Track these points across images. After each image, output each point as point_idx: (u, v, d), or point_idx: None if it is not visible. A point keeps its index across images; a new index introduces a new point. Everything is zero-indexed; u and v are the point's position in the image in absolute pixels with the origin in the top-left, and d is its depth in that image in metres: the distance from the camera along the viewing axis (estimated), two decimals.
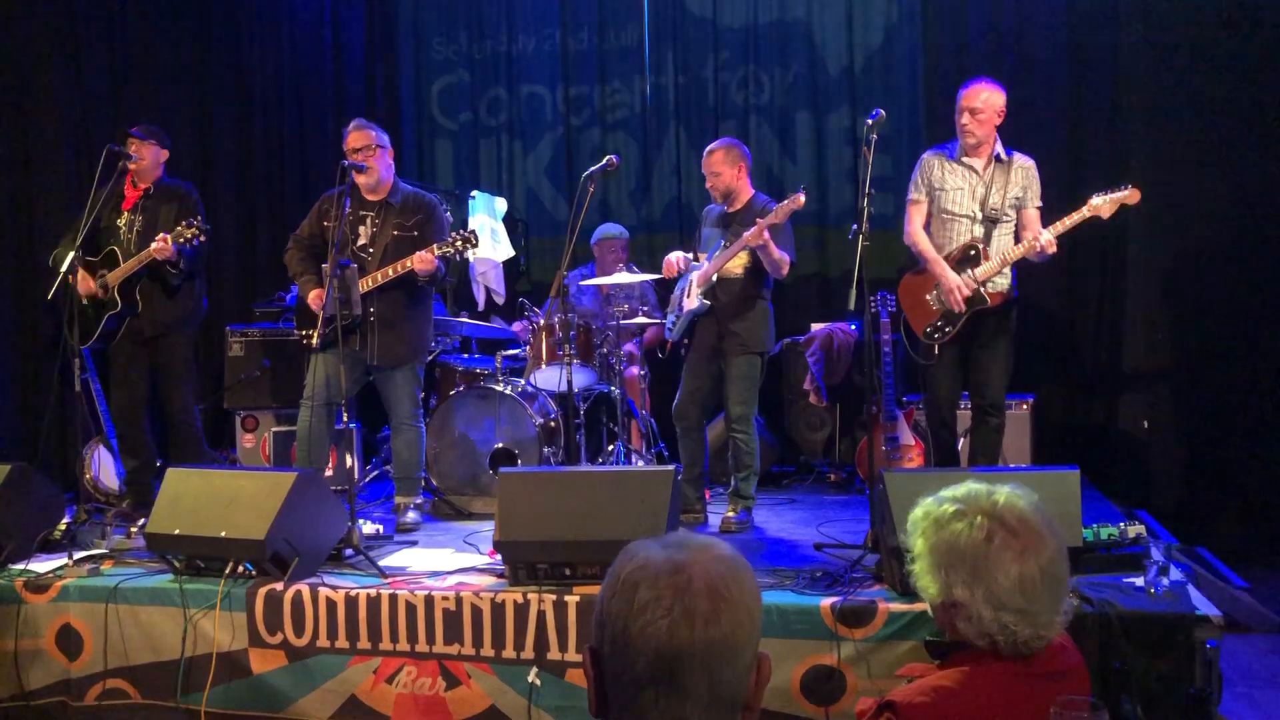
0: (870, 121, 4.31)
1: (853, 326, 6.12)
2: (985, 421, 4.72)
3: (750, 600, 1.37)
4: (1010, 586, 1.78)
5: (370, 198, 4.96)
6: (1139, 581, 3.45)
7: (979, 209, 4.60)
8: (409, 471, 5.07)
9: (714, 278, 4.90)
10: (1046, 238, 4.42)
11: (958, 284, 4.53)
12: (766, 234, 4.63)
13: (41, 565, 4.19)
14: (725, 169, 4.94)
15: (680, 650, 1.30)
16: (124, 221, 5.18)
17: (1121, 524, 3.76)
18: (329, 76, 7.23)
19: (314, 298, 4.85)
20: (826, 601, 3.46)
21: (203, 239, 4.95)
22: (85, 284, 5.08)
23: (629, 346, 5.99)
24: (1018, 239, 4.62)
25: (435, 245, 4.73)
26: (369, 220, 4.94)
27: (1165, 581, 3.42)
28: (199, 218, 5.00)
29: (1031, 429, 5.63)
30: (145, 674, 3.94)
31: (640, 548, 1.40)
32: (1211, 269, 5.57)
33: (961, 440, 5.01)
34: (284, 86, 7.21)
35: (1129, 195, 4.43)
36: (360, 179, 4.87)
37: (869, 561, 3.86)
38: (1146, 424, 5.78)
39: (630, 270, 6.14)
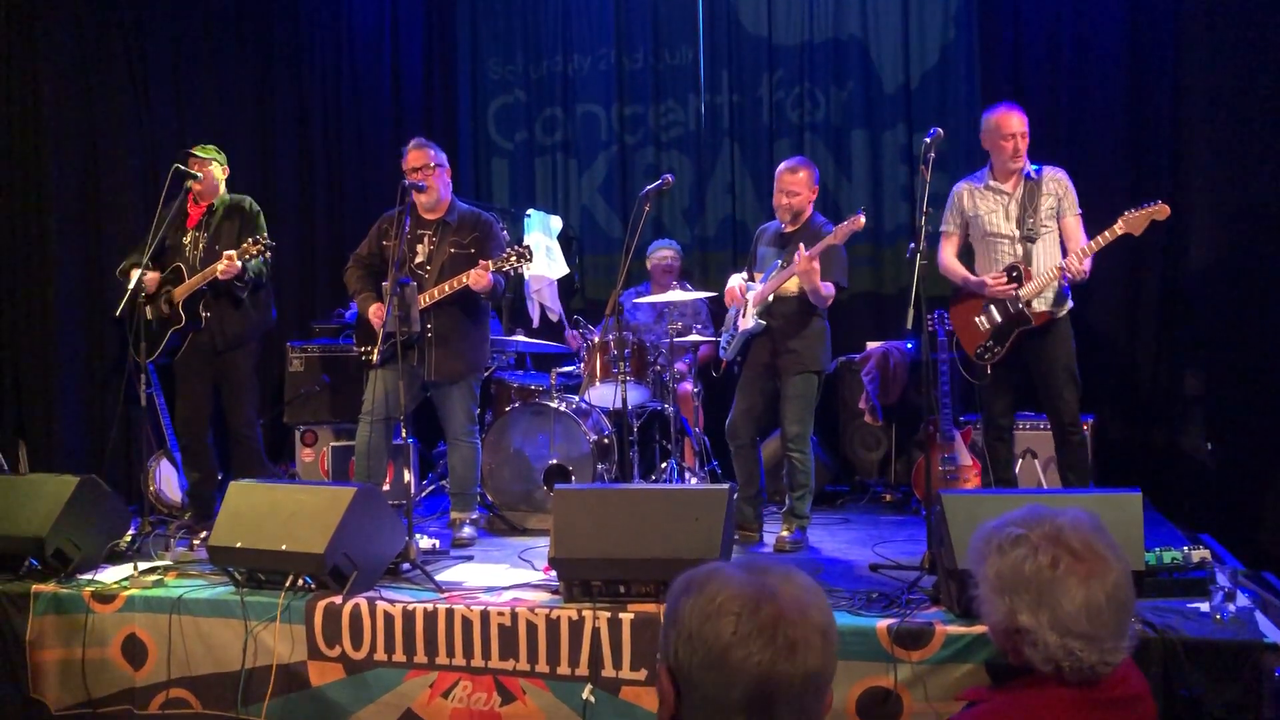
0: (928, 140, 4.32)
1: (909, 345, 6.07)
2: (1068, 440, 4.77)
3: (833, 629, 1.39)
4: (1076, 612, 1.76)
5: (428, 216, 5.03)
6: (1204, 607, 3.38)
7: (1016, 228, 4.65)
8: (465, 487, 5.10)
9: (770, 298, 4.90)
10: (1075, 264, 4.49)
11: (996, 281, 4.63)
12: (816, 264, 4.63)
13: (108, 576, 4.28)
14: (805, 190, 4.93)
15: (781, 681, 1.31)
16: (189, 239, 5.30)
17: (1185, 548, 3.69)
18: (387, 97, 7.35)
19: (374, 312, 4.92)
20: (883, 623, 3.43)
21: (268, 255, 5.05)
22: (151, 285, 5.16)
23: (681, 364, 6.00)
24: (1064, 252, 4.67)
25: (491, 261, 4.78)
26: (426, 239, 5.01)
27: (1231, 607, 3.34)
28: (263, 233, 5.10)
29: (1092, 450, 5.54)
30: (207, 684, 4.00)
31: (717, 570, 1.40)
32: (1278, 284, 5.44)
33: (1044, 462, 5.02)
34: (344, 107, 7.34)
35: (1157, 210, 4.48)
36: (419, 198, 4.95)
37: (926, 583, 3.83)
38: (1210, 445, 5.66)
39: (684, 288, 6.15)
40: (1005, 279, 4.64)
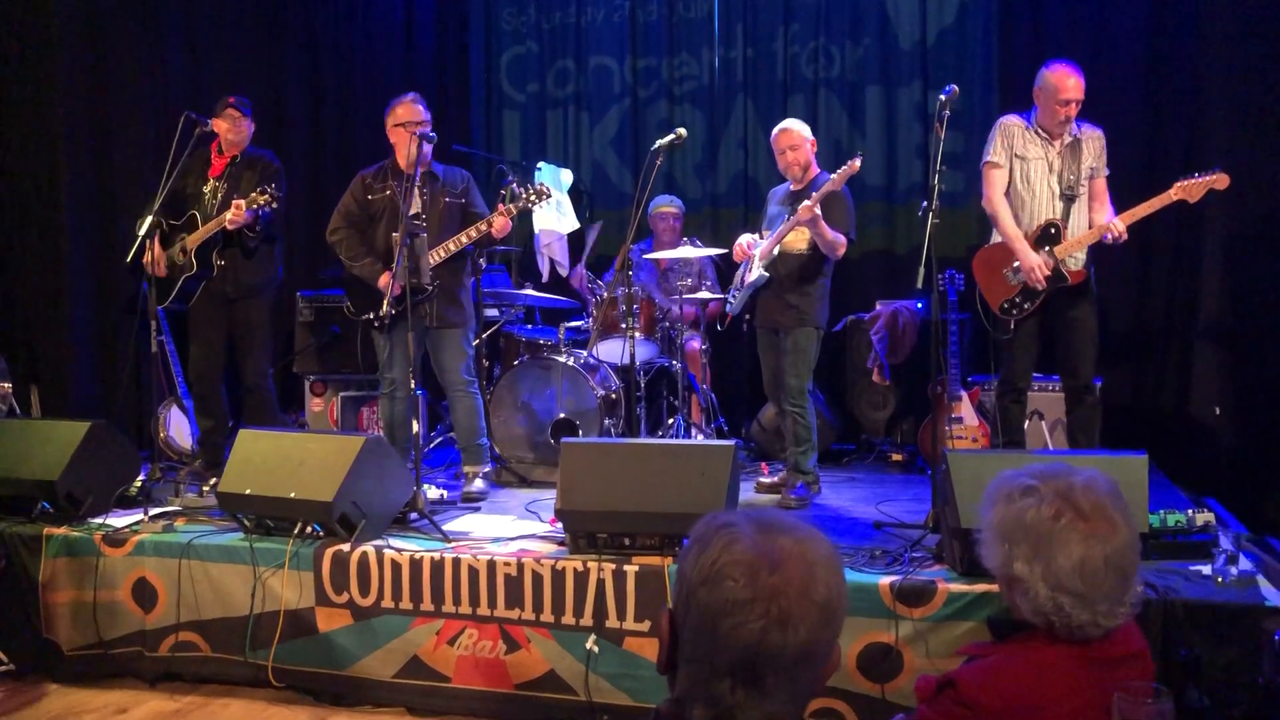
0: (943, 98, 4.25)
1: (919, 305, 6.06)
2: (1081, 401, 4.71)
3: (840, 602, 1.35)
4: (1070, 568, 1.77)
5: (412, 171, 5.00)
6: (1206, 570, 3.40)
7: (1058, 185, 4.55)
8: (472, 439, 5.13)
9: (775, 251, 4.89)
10: (1119, 226, 4.39)
11: (1038, 263, 4.50)
12: (818, 209, 4.60)
13: (118, 520, 4.33)
14: (802, 143, 4.92)
15: (770, 654, 1.29)
16: (209, 189, 5.29)
17: (1190, 511, 3.69)
18: (400, 48, 7.30)
19: (386, 281, 4.88)
20: (885, 580, 3.46)
21: (274, 205, 5.04)
22: (160, 263, 5.16)
23: (689, 315, 5.99)
24: (1090, 212, 4.59)
25: (511, 205, 4.84)
26: (418, 191, 5.01)
27: (1234, 570, 3.36)
28: (274, 184, 5.08)
29: (1100, 413, 5.54)
30: (215, 628, 4.07)
31: (730, 526, 1.36)
32: None
33: (1051, 424, 4.96)
34: (356, 58, 7.30)
35: (1218, 179, 4.34)
36: (410, 153, 4.89)
37: (929, 541, 3.85)
38: (1218, 410, 5.65)
39: (693, 244, 6.14)
40: (1043, 269, 4.48)
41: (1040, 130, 4.62)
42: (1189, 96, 5.89)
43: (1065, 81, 4.50)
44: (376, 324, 4.97)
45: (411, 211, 4.94)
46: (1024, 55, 6.10)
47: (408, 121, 4.93)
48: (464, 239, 4.87)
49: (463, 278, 5.12)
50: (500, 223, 4.85)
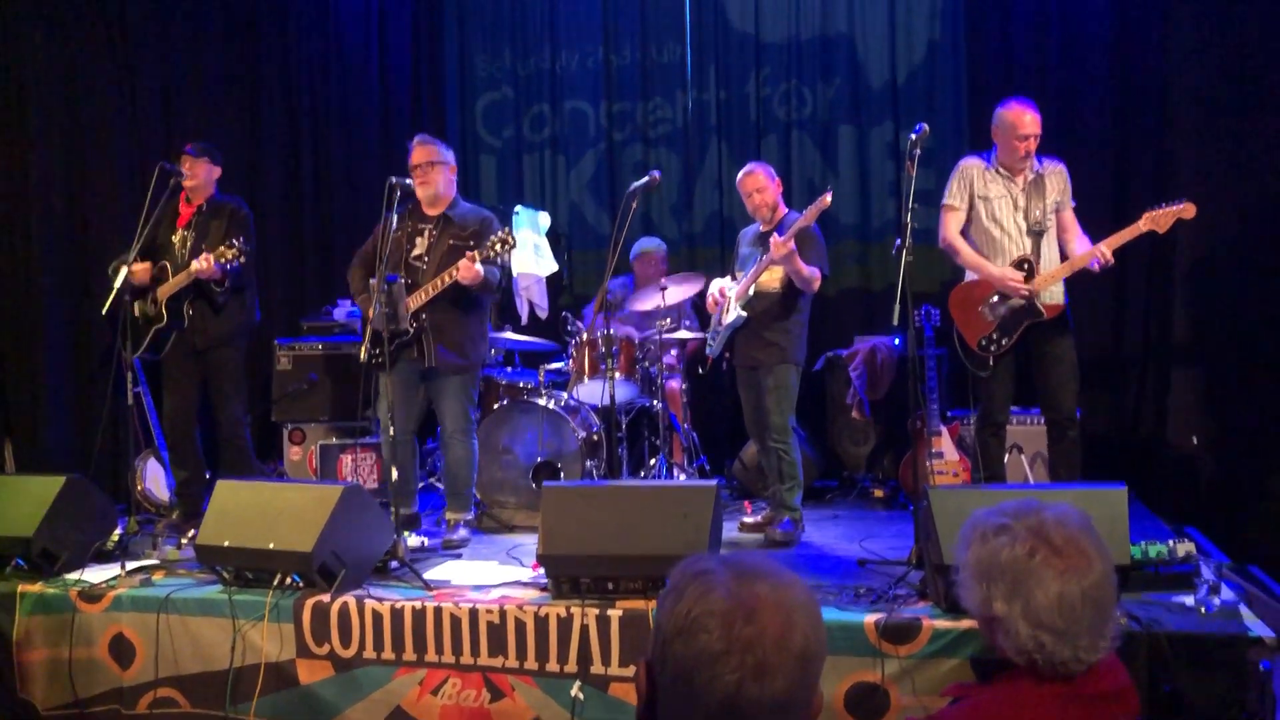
0: (914, 137, 4.31)
1: (896, 341, 6.09)
2: (1064, 435, 4.71)
3: (819, 649, 1.32)
4: (1049, 605, 1.76)
5: (430, 211, 5.04)
6: (1189, 601, 3.40)
7: (1023, 220, 4.60)
8: (460, 487, 5.09)
9: (750, 291, 4.92)
10: (1108, 252, 4.43)
11: (1010, 274, 4.53)
12: (792, 244, 4.64)
13: (95, 575, 4.27)
14: (768, 184, 4.98)
15: (748, 705, 1.27)
16: (178, 238, 5.28)
17: (1171, 541, 3.71)
18: (375, 93, 7.32)
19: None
20: (870, 618, 3.45)
21: (242, 260, 5.03)
22: (142, 275, 5.15)
23: (669, 359, 5.99)
24: (1061, 245, 4.64)
25: (476, 251, 4.75)
26: (427, 232, 5.00)
27: (1216, 601, 3.37)
28: (241, 238, 5.05)
29: (1080, 446, 5.56)
30: (195, 683, 3.99)
31: (706, 574, 1.34)
32: (1264, 281, 5.47)
33: (1031, 457, 4.97)
34: (331, 104, 7.31)
35: (1184, 209, 4.40)
36: (422, 193, 4.95)
37: (913, 578, 3.85)
38: (1196, 439, 5.69)
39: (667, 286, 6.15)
40: (1020, 275, 4.53)
41: (1001, 169, 4.68)
42: (1155, 130, 5.99)
43: (1022, 118, 4.57)
44: (374, 362, 4.93)
45: (415, 253, 4.95)
46: (993, 92, 6.13)
47: (411, 165, 4.98)
48: (439, 282, 4.81)
49: (460, 320, 4.97)
50: (466, 270, 4.71)
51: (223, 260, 5.00)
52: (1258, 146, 5.38)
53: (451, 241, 4.95)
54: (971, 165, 4.74)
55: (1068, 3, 6.20)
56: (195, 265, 5.00)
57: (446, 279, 4.80)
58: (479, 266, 4.73)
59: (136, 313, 5.23)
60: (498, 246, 4.76)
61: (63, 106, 6.39)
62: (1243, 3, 5.40)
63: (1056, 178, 4.67)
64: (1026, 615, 1.78)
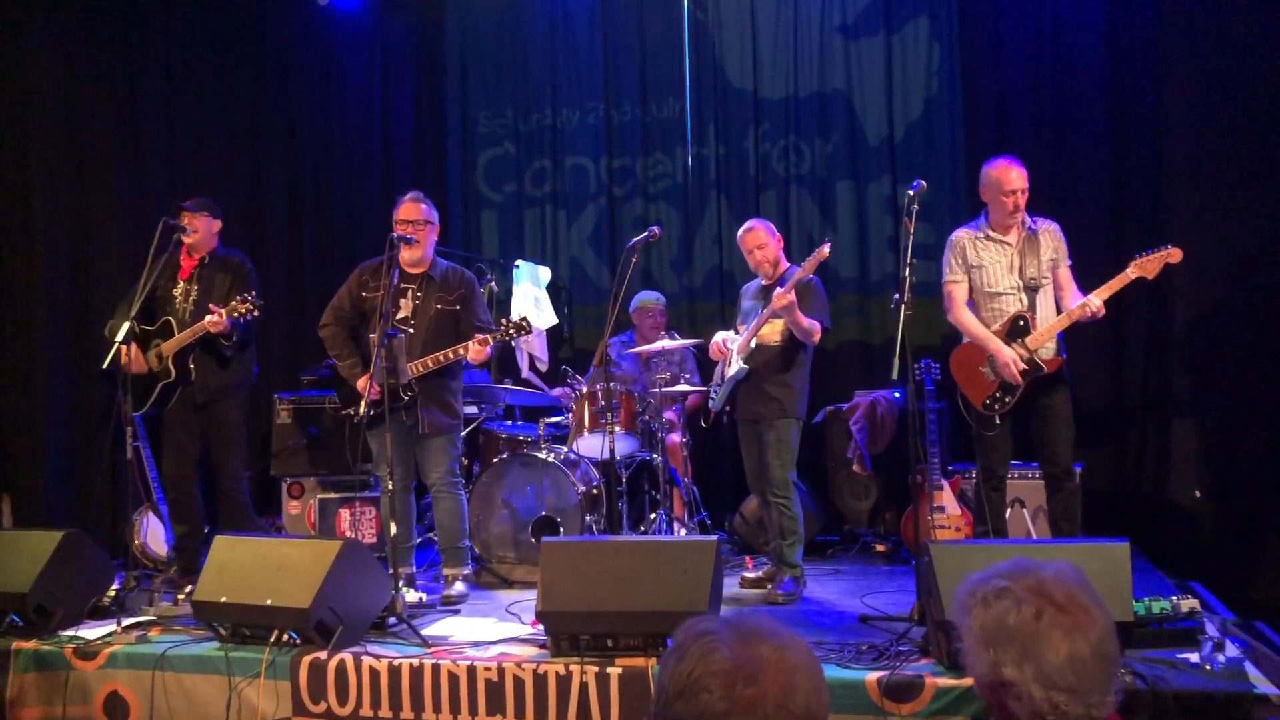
0: (911, 192, 4.37)
1: (896, 394, 6.09)
2: (1061, 487, 4.75)
3: (820, 710, 1.33)
4: (1061, 665, 1.75)
5: (412, 271, 5.01)
6: (1194, 657, 3.37)
7: (1019, 279, 4.65)
8: (454, 540, 5.07)
9: (752, 344, 4.94)
10: (1097, 303, 4.47)
11: (1012, 357, 4.58)
12: (793, 295, 4.66)
13: (90, 632, 4.24)
14: (769, 240, 5.02)
15: None
16: (179, 291, 5.30)
17: (1174, 597, 3.68)
18: (377, 148, 7.40)
19: (364, 383, 4.80)
20: (872, 675, 3.41)
21: (256, 313, 5.04)
22: (138, 363, 5.16)
23: (670, 414, 6.00)
24: (1057, 301, 4.69)
25: (489, 334, 4.77)
26: (410, 293, 4.99)
27: (1221, 658, 3.34)
28: (253, 292, 5.08)
29: (1080, 499, 5.54)
30: None
31: (708, 635, 1.34)
32: (1265, 330, 5.48)
33: (1033, 511, 4.97)
34: (334, 159, 7.39)
35: (1170, 254, 4.49)
36: (404, 253, 4.94)
37: (915, 634, 3.81)
38: (1199, 492, 5.67)
39: (671, 337, 6.17)
40: (1018, 364, 4.57)
41: (992, 231, 4.75)
42: (1150, 184, 6.03)
43: (1007, 174, 4.66)
44: (355, 421, 4.93)
45: (400, 315, 4.94)
46: (989, 147, 6.22)
47: (398, 221, 4.95)
48: (441, 358, 4.81)
49: (450, 382, 5.04)
50: (476, 352, 4.75)
51: (235, 315, 5.01)
52: (1253, 201, 5.43)
53: (439, 306, 4.95)
54: (962, 236, 4.83)
55: (1062, 59, 6.28)
56: (208, 320, 5.00)
57: (451, 355, 4.81)
58: (489, 350, 4.79)
59: (140, 368, 5.21)
60: (512, 332, 4.78)
61: (66, 160, 6.45)
62: (1235, 55, 5.48)
63: (1050, 236, 4.73)
64: (1039, 678, 1.75)
